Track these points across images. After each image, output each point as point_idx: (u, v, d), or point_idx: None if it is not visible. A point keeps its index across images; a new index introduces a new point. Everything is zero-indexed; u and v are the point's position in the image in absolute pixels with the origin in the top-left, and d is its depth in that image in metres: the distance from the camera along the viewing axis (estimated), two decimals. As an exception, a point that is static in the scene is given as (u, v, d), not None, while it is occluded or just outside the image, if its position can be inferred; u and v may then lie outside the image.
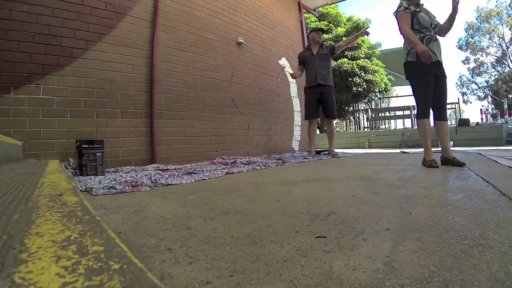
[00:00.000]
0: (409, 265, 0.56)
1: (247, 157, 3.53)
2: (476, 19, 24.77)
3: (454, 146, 5.98)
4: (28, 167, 1.38)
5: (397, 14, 2.24)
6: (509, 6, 22.71)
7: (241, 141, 3.79)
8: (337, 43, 3.97)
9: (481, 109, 16.41)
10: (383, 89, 10.60)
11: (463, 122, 6.77)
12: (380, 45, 11.22)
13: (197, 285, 0.51)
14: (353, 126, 11.42)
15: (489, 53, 25.04)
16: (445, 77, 2.25)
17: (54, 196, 0.60)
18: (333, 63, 9.81)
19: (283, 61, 4.55)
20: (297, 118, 5.02)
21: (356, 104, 11.26)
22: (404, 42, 2.26)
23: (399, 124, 10.77)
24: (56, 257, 0.28)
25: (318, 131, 10.90)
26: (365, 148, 6.95)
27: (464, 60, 26.40)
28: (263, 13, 4.45)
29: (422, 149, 2.31)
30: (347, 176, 1.85)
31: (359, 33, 3.98)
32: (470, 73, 26.93)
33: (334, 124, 3.70)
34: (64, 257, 0.28)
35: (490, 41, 24.48)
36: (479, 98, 27.35)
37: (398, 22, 2.23)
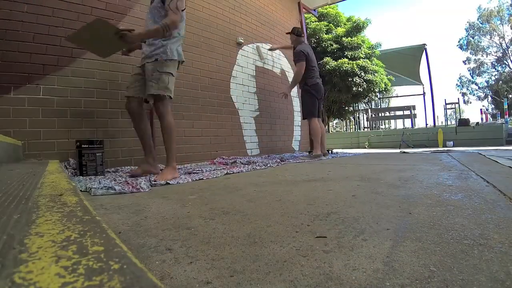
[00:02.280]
0: (409, 265, 0.56)
1: (247, 157, 3.54)
2: (478, 19, 24.82)
3: (454, 146, 5.98)
4: (28, 167, 1.38)
5: None
6: (511, 6, 22.73)
7: (241, 141, 3.79)
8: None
9: (481, 109, 16.42)
10: (383, 89, 10.60)
11: (463, 122, 6.78)
12: (380, 45, 11.21)
13: (197, 285, 0.51)
14: (353, 126, 11.43)
15: (489, 53, 25.08)
16: None
17: (54, 196, 0.60)
18: (333, 63, 9.84)
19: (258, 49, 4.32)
20: (297, 118, 5.01)
21: (356, 104, 11.25)
22: None
23: (399, 124, 10.78)
24: (56, 257, 0.28)
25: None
26: (365, 148, 6.95)
27: (466, 60, 26.44)
28: (263, 13, 4.45)
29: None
30: (347, 176, 1.85)
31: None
32: (470, 73, 26.96)
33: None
34: (64, 257, 0.28)
35: (491, 40, 24.52)
36: (479, 98, 27.38)
37: None
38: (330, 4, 7.35)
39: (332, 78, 9.70)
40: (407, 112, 9.29)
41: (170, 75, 1.92)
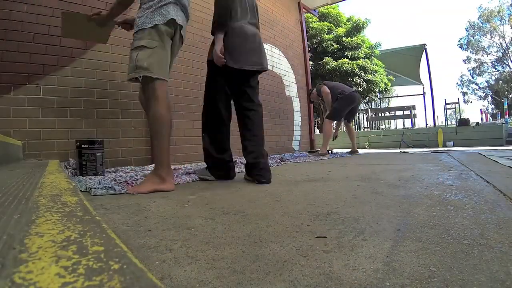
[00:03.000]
0: (409, 265, 0.56)
1: (247, 157, 3.53)
2: (478, 19, 24.84)
3: (454, 146, 5.98)
4: (28, 167, 1.38)
5: None
6: (511, 6, 22.75)
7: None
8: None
9: (481, 109, 16.44)
10: (383, 89, 10.60)
11: (463, 122, 6.77)
12: (380, 45, 11.22)
13: (197, 285, 0.51)
14: (353, 126, 11.43)
15: (490, 53, 25.10)
16: None
17: (54, 196, 0.60)
18: (333, 63, 9.85)
19: None
20: (297, 118, 5.01)
21: (356, 104, 11.24)
22: None
23: (399, 124, 10.77)
24: (56, 257, 0.28)
25: (318, 131, 10.96)
26: (365, 148, 6.95)
27: (466, 60, 26.47)
28: (263, 13, 4.44)
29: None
30: (347, 176, 1.85)
31: None
32: (470, 73, 26.99)
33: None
34: (64, 257, 0.28)
35: (491, 40, 24.54)
36: (480, 98, 27.41)
37: None
38: (331, 4, 7.35)
39: (332, 78, 9.72)
40: (407, 112, 9.29)
41: (140, 49, 1.47)
